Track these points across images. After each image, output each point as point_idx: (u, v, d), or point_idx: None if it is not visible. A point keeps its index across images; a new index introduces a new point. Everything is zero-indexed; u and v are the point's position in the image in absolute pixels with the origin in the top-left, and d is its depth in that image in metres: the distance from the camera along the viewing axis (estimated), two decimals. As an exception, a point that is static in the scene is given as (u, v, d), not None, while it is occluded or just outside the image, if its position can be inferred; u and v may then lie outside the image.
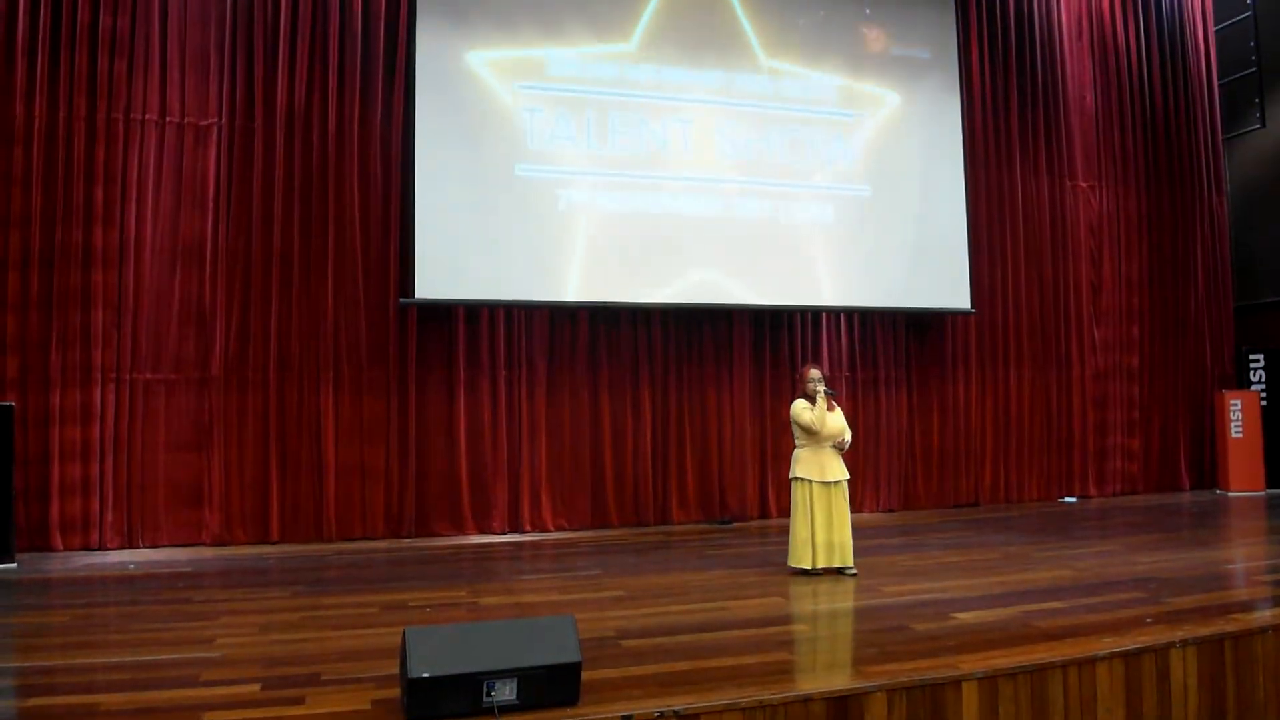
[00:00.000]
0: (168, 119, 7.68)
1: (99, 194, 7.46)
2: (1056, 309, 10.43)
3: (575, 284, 8.28)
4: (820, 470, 6.18)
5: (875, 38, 9.43)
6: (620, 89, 8.52)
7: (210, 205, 7.74)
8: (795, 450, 6.34)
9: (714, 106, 8.79)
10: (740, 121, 8.85)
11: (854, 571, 6.13)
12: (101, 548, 7.32)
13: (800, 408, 6.24)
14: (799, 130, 9.06)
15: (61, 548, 7.22)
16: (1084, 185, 10.63)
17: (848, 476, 6.28)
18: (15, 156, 7.29)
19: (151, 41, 7.66)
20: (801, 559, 6.13)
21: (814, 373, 6.28)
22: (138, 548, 7.40)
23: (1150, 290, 10.91)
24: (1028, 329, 10.26)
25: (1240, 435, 10.49)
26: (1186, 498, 10.43)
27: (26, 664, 4.39)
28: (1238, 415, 10.51)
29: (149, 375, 7.56)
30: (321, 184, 7.98)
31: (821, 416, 6.18)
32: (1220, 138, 11.44)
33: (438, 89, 7.99)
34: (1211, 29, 11.48)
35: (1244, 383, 10.89)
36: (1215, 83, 11.43)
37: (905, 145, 9.44)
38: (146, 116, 7.63)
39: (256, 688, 3.84)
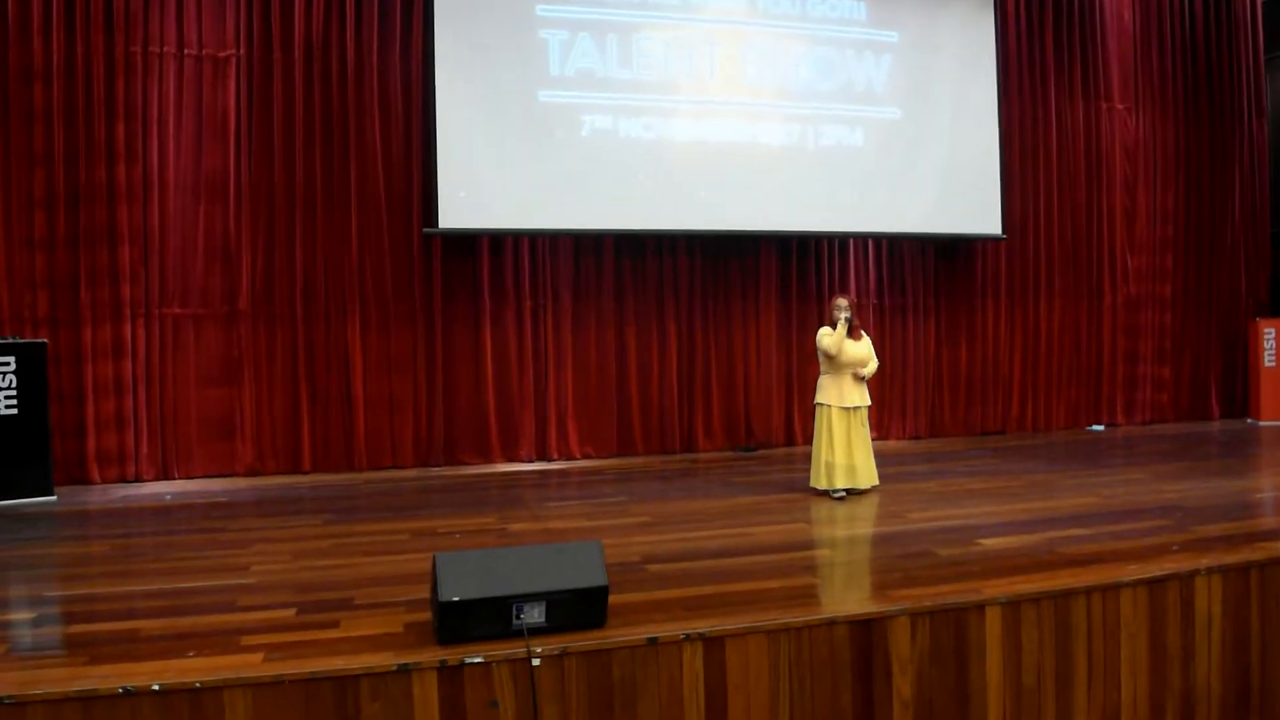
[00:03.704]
0: (185, 51, 7.61)
1: (120, 129, 7.44)
2: (1089, 236, 10.24)
3: (600, 212, 8.21)
4: (839, 396, 6.39)
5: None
6: (644, 10, 8.34)
7: (231, 139, 7.71)
8: (819, 377, 6.53)
9: (741, 28, 8.59)
10: (767, 44, 8.65)
11: (873, 486, 6.44)
12: (137, 479, 7.47)
13: (822, 333, 6.44)
14: (827, 52, 8.85)
15: (99, 480, 7.37)
16: (1120, 107, 10.35)
17: (868, 403, 6.51)
18: (36, 93, 7.26)
19: (168, -29, 7.57)
20: (818, 480, 6.41)
21: (841, 301, 6.48)
22: (173, 479, 7.55)
23: (1186, 217, 10.68)
24: (1059, 256, 10.10)
25: (1273, 364, 10.34)
26: (1216, 427, 10.33)
27: (69, 592, 4.51)
28: (1271, 344, 10.34)
29: (178, 310, 7.62)
30: (342, 115, 7.92)
31: (839, 342, 6.26)
32: (1262, 59, 11.05)
33: (456, 14, 7.85)
34: (1256, -57, 11.05)
35: (1279, 311, 10.70)
36: (1259, 2, 11.01)
37: (937, 67, 9.20)
38: (165, 49, 7.56)
39: (292, 612, 3.94)
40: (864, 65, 8.96)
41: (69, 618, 4.08)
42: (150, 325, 7.56)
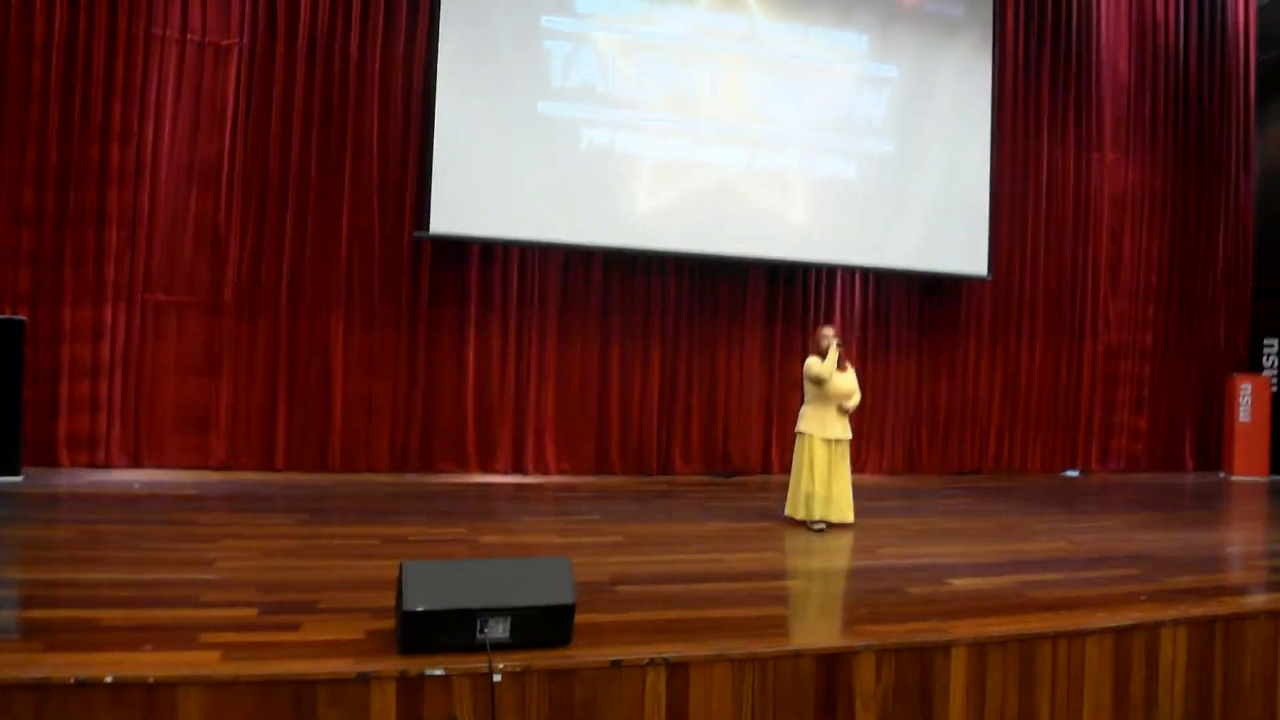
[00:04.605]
0: (188, 37, 7.59)
1: (117, 110, 7.39)
2: (1074, 281, 10.32)
3: (592, 227, 8.21)
4: (822, 426, 6.35)
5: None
6: (649, 29, 8.37)
7: (228, 127, 7.68)
8: (803, 406, 6.50)
9: (741, 55, 8.63)
10: (767, 72, 8.70)
11: (849, 522, 6.35)
12: (107, 466, 7.38)
13: (812, 360, 6.40)
14: (826, 82, 8.90)
15: (68, 464, 7.28)
16: (1111, 156, 10.46)
17: (849, 436, 6.46)
18: (34, 68, 7.21)
19: (174, -43, 7.55)
20: (795, 509, 6.38)
21: (828, 330, 6.49)
22: (143, 468, 7.46)
23: (1169, 268, 10.78)
24: (1043, 299, 10.17)
25: (1248, 420, 10.43)
26: (1190, 479, 10.41)
27: (30, 576, 4.45)
28: (1248, 399, 10.45)
29: (161, 296, 7.56)
30: (341, 111, 7.90)
31: (831, 368, 6.25)
32: (1253, 116, 11.21)
33: (462, 18, 7.85)
34: (1253, 3, 11.19)
35: (1257, 367, 10.82)
36: (1253, 59, 11.18)
37: (933, 105, 9.28)
38: (167, 33, 7.54)
39: (254, 612, 3.89)
40: (862, 98, 9.02)
41: (28, 602, 4.03)
42: (131, 310, 7.49)
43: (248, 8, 7.71)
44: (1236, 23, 11.05)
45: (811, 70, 8.85)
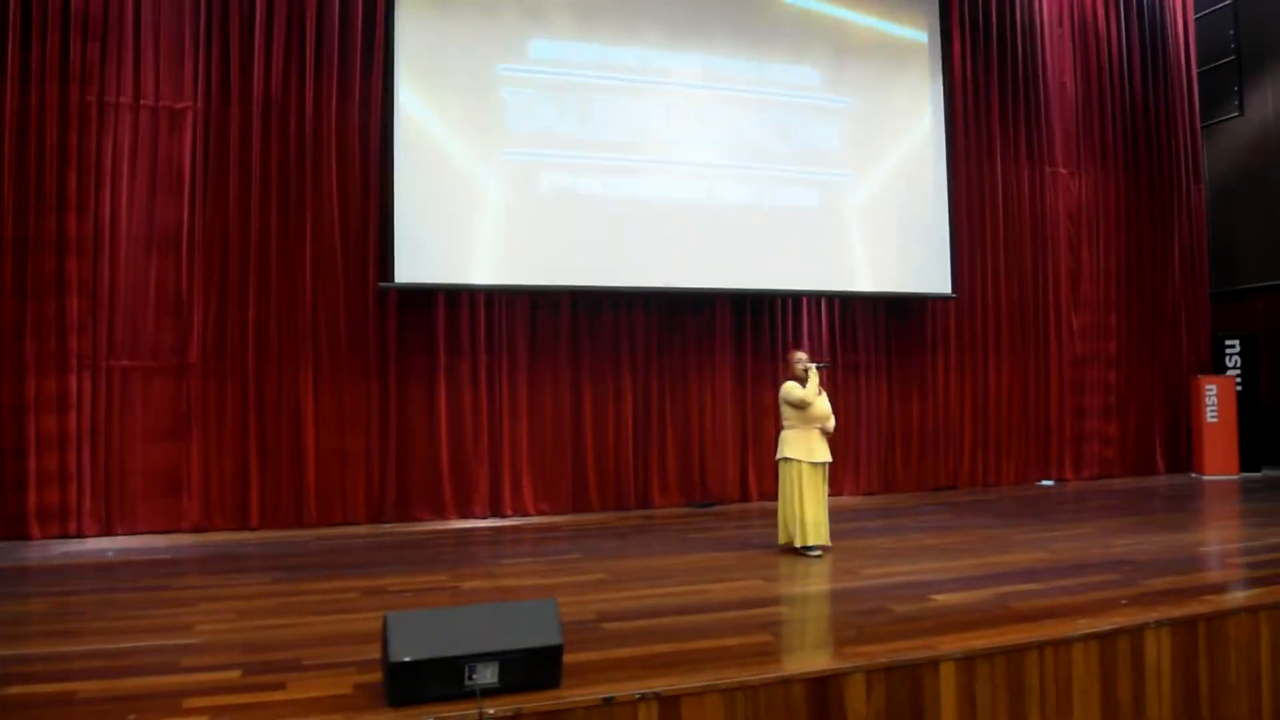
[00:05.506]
0: (141, 102, 7.58)
1: (72, 180, 7.36)
2: (1036, 295, 10.50)
3: (557, 268, 8.25)
4: (808, 451, 6.31)
5: (859, 23, 9.42)
6: (603, 72, 8.49)
7: (186, 191, 7.66)
8: (783, 432, 6.47)
9: (697, 91, 8.77)
10: (723, 106, 8.84)
11: (829, 546, 6.32)
12: (79, 535, 7.26)
13: (791, 385, 6.37)
14: (782, 115, 9.05)
15: (39, 536, 7.15)
16: (1064, 172, 10.68)
17: (830, 460, 6.43)
18: (-12, 141, 7.19)
19: (125, 24, 7.55)
20: (792, 536, 6.29)
21: (800, 354, 6.50)
22: (115, 535, 7.33)
23: (1128, 277, 11.00)
24: (1007, 314, 10.33)
25: (1215, 420, 10.60)
26: (1162, 481, 10.54)
27: (4, 653, 4.35)
28: (1213, 400, 10.62)
29: (126, 363, 7.49)
30: (299, 168, 7.91)
31: (814, 392, 6.29)
32: (1199, 126, 11.53)
33: (418, 71, 7.93)
34: (1191, 17, 11.56)
35: (1220, 368, 11.02)
36: (1194, 71, 11.51)
37: (888, 131, 9.46)
38: (120, 100, 7.53)
39: (237, 674, 3.84)
40: (818, 129, 9.18)
41: (3, 680, 3.94)
42: (97, 378, 7.41)
43: (200, 71, 7.72)
44: (1177, 36, 11.39)
45: (767, 104, 9.00)
